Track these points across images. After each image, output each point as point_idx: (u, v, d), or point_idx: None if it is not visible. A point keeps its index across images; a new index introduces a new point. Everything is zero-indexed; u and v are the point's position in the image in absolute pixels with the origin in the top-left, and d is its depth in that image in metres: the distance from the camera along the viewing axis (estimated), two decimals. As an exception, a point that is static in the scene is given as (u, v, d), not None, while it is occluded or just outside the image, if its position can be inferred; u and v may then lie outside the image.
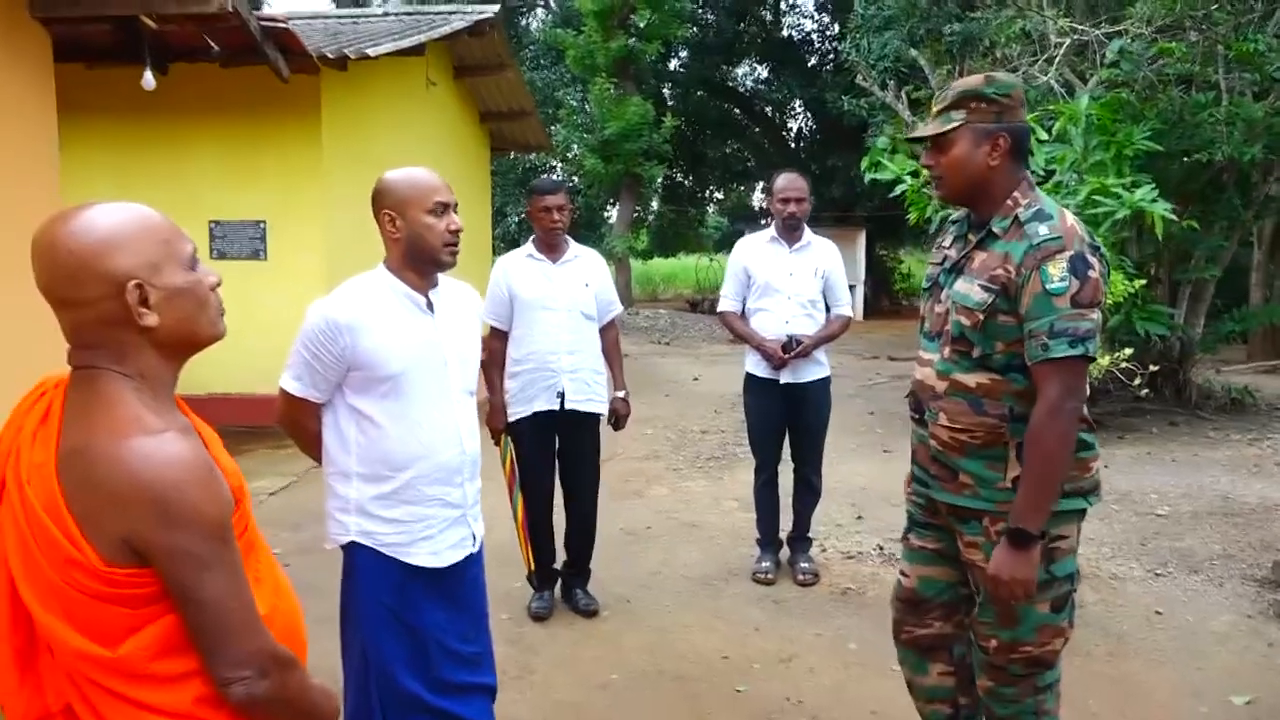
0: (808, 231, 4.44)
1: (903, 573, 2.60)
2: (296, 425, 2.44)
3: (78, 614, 1.22)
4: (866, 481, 6.21)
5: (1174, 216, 6.49)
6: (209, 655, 1.26)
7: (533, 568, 4.10)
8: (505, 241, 21.74)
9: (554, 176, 24.60)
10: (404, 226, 2.34)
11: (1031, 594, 2.20)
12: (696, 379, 11.26)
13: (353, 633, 2.41)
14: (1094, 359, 2.15)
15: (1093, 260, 2.14)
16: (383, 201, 2.38)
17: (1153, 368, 7.29)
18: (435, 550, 2.39)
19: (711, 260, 25.25)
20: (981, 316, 2.21)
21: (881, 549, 4.90)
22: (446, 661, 2.41)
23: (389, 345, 2.31)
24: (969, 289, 2.25)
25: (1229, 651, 3.75)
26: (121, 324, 1.27)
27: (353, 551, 2.38)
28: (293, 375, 2.36)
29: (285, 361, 2.39)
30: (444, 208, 2.34)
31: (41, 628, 1.24)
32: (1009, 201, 2.24)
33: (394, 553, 2.35)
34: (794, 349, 4.27)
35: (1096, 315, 2.13)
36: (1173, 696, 3.39)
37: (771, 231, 4.45)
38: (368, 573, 2.37)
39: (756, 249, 4.46)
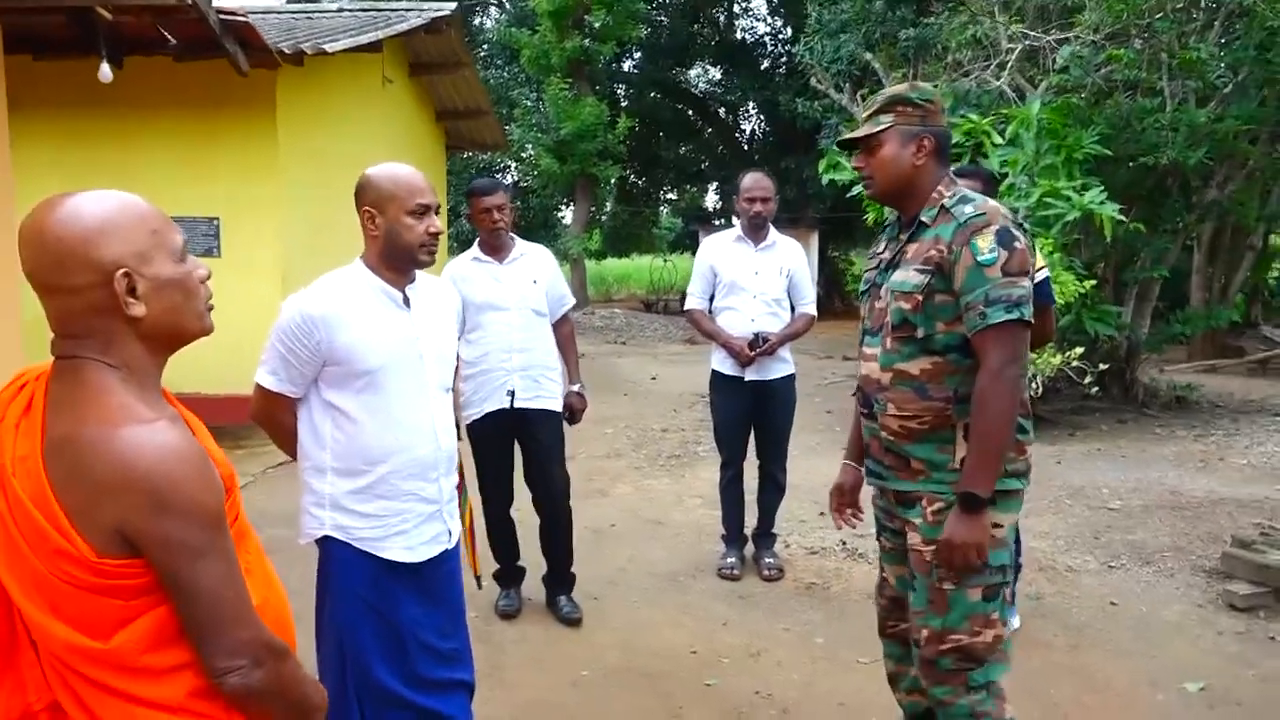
0: (773, 231, 4.48)
1: (882, 574, 2.69)
2: (272, 420, 2.42)
3: (67, 606, 1.20)
4: (827, 479, 6.17)
5: (1122, 218, 6.67)
6: (203, 646, 1.24)
7: (477, 571, 4.07)
8: (459, 241, 21.56)
9: (501, 176, 24.52)
10: (383, 224, 2.34)
11: (984, 558, 2.27)
12: (654, 378, 11.29)
13: (328, 628, 2.39)
14: (1030, 323, 2.24)
15: (1017, 233, 2.26)
16: (364, 197, 2.37)
17: (1102, 366, 7.49)
18: (410, 545, 2.38)
19: (666, 261, 25.30)
20: (920, 298, 2.31)
21: (844, 544, 4.96)
22: (424, 657, 2.41)
23: (365, 340, 2.30)
24: (906, 275, 2.36)
25: (1182, 640, 3.85)
26: (108, 313, 1.25)
27: (328, 546, 2.36)
28: (268, 370, 2.34)
29: (252, 358, 2.37)
30: (425, 210, 2.33)
31: (28, 621, 1.21)
32: (934, 194, 2.37)
33: (368, 547, 2.34)
34: (760, 346, 4.31)
35: (1027, 283, 2.24)
36: (1130, 685, 3.47)
37: (737, 230, 4.49)
38: (343, 567, 2.35)
39: (723, 248, 4.49)
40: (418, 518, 2.38)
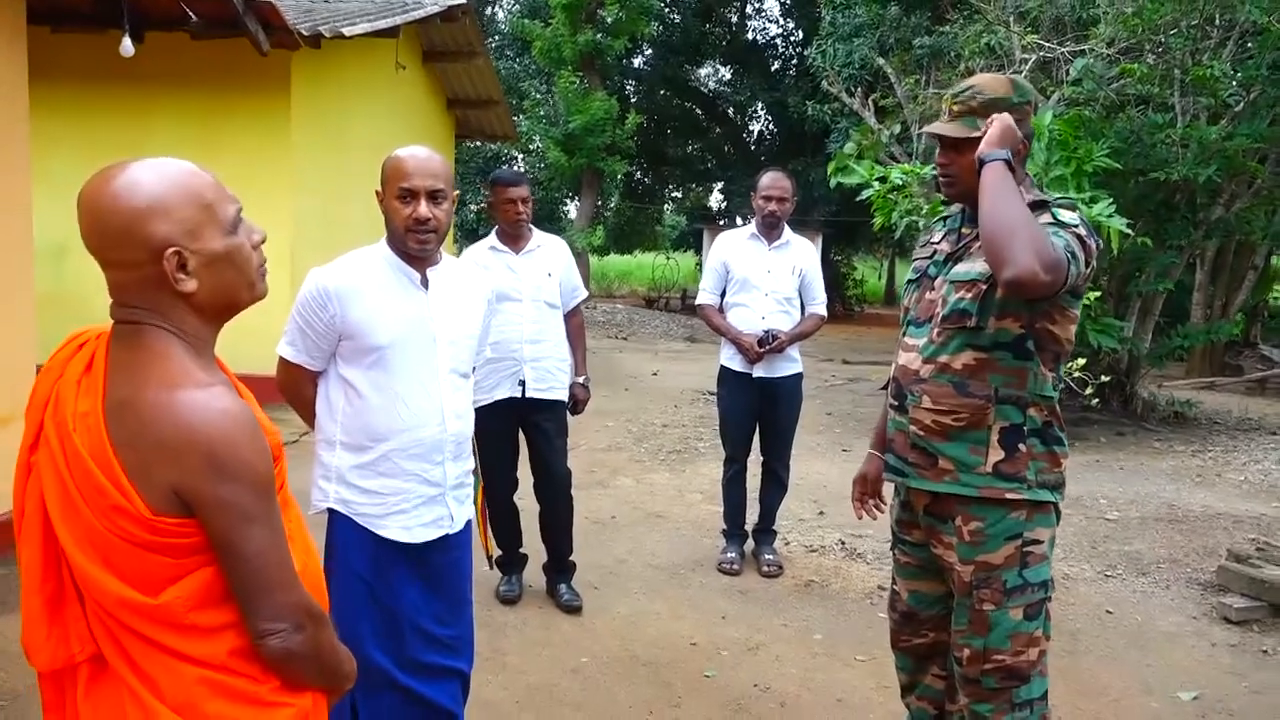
0: (787, 230, 4.51)
1: (895, 587, 2.64)
2: (292, 391, 2.46)
3: (120, 561, 1.23)
4: (827, 479, 6.31)
5: (1129, 232, 6.70)
6: (247, 607, 1.27)
7: (490, 553, 4.11)
8: (462, 231, 21.58)
9: (515, 167, 24.50)
10: (383, 207, 2.39)
11: (1006, 135, 2.19)
12: (655, 374, 11.33)
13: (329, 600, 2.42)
14: (1071, 273, 2.12)
15: (1090, 234, 2.20)
16: (381, 179, 2.41)
17: (1103, 378, 7.53)
18: (407, 525, 2.39)
19: (669, 259, 25.34)
20: (984, 286, 2.22)
21: (843, 544, 5.00)
22: (418, 641, 2.42)
23: (377, 316, 2.32)
24: (970, 266, 2.28)
25: (1176, 650, 3.89)
26: (160, 287, 1.27)
27: (332, 519, 2.40)
28: (287, 341, 2.40)
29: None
30: (410, 195, 2.32)
31: (80, 574, 1.24)
32: None
33: (367, 524, 2.36)
34: (770, 344, 4.34)
35: (1084, 258, 2.16)
36: (1125, 692, 3.51)
37: (752, 228, 4.52)
38: (344, 543, 2.38)
39: (736, 245, 4.52)
40: (418, 499, 2.39)
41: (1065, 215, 2.20)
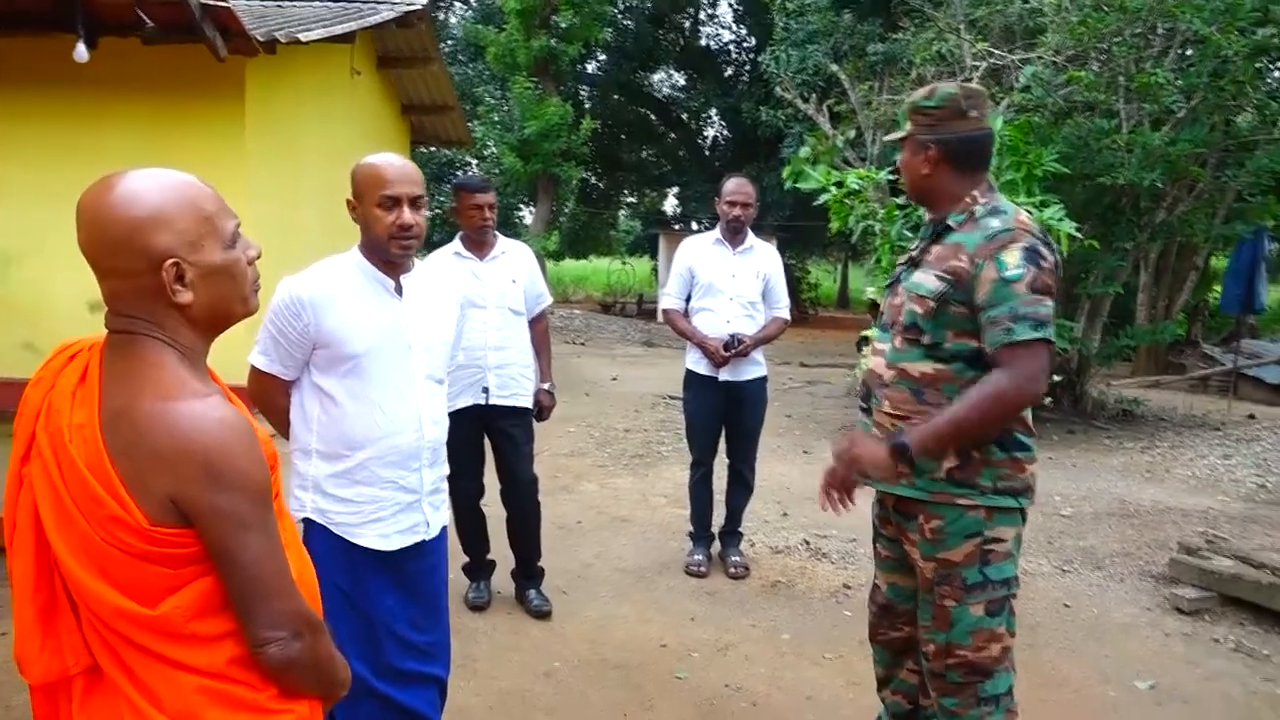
0: (751, 235, 4.56)
1: (876, 580, 2.70)
2: (265, 401, 2.45)
3: (117, 572, 1.23)
4: (790, 481, 6.38)
5: (1078, 235, 6.86)
6: (246, 616, 1.28)
7: None
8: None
9: (463, 173, 24.37)
10: (360, 215, 2.39)
11: (858, 468, 2.34)
12: (615, 379, 11.35)
13: None
14: (1052, 344, 2.19)
15: (1045, 251, 2.22)
16: (351, 187, 2.41)
17: (1055, 378, 7.69)
18: (385, 533, 2.40)
19: (624, 264, 25.39)
20: (934, 304, 2.28)
21: (808, 544, 5.06)
22: (395, 648, 2.43)
23: (351, 325, 2.33)
24: (924, 278, 2.33)
25: (1132, 640, 4.00)
26: (156, 297, 1.28)
27: (308, 529, 2.39)
28: (260, 350, 2.39)
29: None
30: (393, 202, 2.33)
31: (76, 585, 1.24)
32: (967, 199, 2.34)
33: (343, 532, 2.37)
34: (735, 348, 4.39)
35: (1051, 303, 2.19)
36: (1084, 682, 3.61)
37: (716, 233, 4.56)
38: (321, 552, 2.35)
39: (701, 250, 4.56)
40: (395, 506, 2.40)
41: (1008, 259, 2.19)
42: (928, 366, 2.32)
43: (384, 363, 2.36)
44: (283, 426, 2.47)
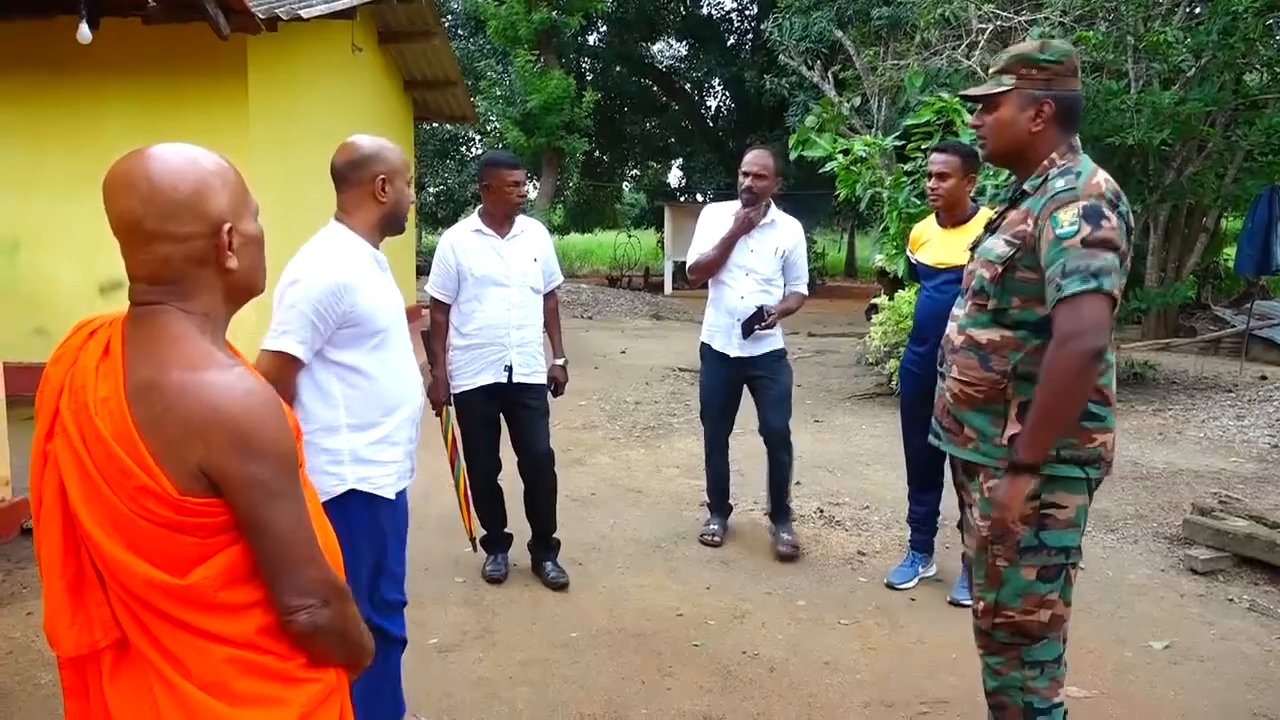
0: (774, 210, 4.46)
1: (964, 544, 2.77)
2: (283, 388, 2.46)
3: (146, 543, 1.24)
4: (802, 449, 6.35)
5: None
6: (276, 584, 1.29)
7: (473, 535, 4.13)
8: (421, 215, 21.38)
9: (467, 149, 24.30)
10: (392, 193, 2.52)
11: (1013, 519, 2.22)
12: (624, 352, 11.35)
13: None
14: (1112, 297, 2.09)
15: (1108, 212, 2.13)
16: (375, 166, 2.50)
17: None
18: (397, 484, 2.59)
19: (630, 237, 25.28)
20: (1000, 269, 2.26)
21: (821, 512, 5.08)
22: (388, 582, 2.64)
23: (377, 301, 2.47)
24: (994, 244, 2.31)
25: (1146, 602, 4.02)
26: (205, 263, 1.31)
27: (346, 503, 2.44)
28: (298, 340, 2.39)
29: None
30: (409, 181, 2.62)
31: (105, 558, 1.25)
32: (1045, 162, 2.27)
33: (380, 491, 2.51)
34: (764, 320, 4.34)
35: (1112, 256, 2.10)
36: (1100, 643, 3.62)
37: (739, 205, 4.44)
38: (362, 524, 2.48)
39: (724, 220, 4.43)
40: (407, 458, 2.62)
41: (1063, 216, 2.13)
42: (994, 333, 2.30)
43: (398, 332, 2.55)
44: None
